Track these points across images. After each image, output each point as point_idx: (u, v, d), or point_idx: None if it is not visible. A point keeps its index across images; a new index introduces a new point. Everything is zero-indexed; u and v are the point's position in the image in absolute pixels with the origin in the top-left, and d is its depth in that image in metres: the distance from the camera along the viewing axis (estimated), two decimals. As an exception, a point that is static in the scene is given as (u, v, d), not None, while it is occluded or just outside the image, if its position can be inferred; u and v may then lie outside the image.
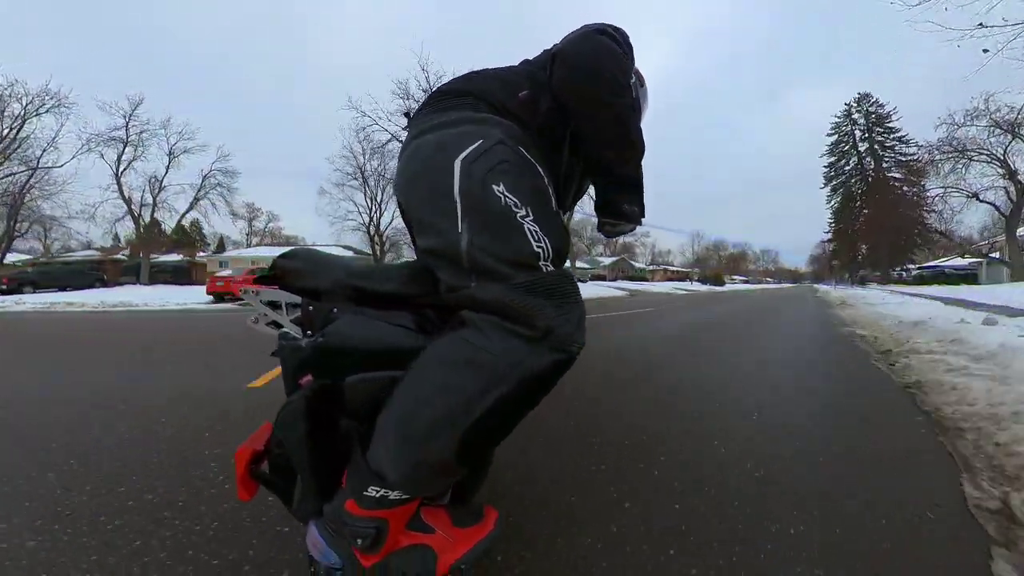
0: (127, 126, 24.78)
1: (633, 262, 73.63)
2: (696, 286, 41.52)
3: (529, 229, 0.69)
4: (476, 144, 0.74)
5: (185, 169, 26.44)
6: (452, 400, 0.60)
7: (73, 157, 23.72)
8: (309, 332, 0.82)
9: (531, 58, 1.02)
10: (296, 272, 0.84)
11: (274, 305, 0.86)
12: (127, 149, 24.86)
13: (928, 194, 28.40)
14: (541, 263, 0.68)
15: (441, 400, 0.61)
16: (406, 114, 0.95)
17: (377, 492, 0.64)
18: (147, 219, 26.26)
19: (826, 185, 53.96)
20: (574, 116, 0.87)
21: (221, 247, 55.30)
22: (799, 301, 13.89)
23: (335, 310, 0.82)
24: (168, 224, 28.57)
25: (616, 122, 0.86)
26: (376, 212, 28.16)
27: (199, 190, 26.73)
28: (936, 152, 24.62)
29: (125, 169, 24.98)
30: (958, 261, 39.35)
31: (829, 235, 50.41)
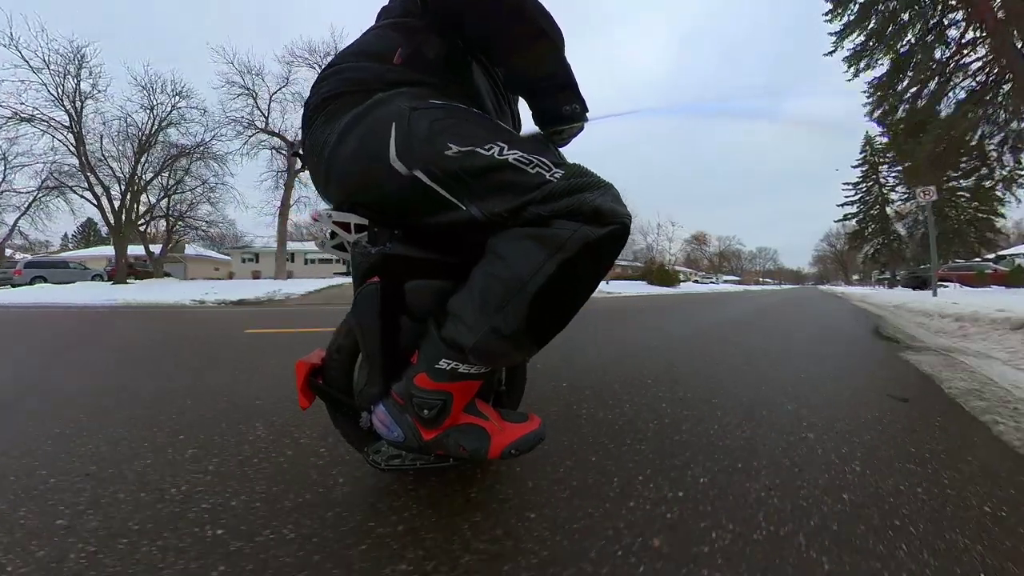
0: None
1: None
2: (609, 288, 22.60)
3: (516, 160, 0.68)
4: (393, 131, 0.71)
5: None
6: (522, 269, 0.65)
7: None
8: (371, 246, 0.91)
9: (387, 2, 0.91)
10: None
11: (344, 227, 0.96)
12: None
13: None
14: (549, 176, 0.68)
15: (512, 271, 0.66)
16: (295, 153, 0.93)
17: (448, 364, 0.71)
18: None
19: (832, 17, 14.34)
20: (466, 30, 0.78)
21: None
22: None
23: (397, 231, 0.91)
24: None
25: (512, 16, 0.75)
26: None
27: (37, 191, 24.28)
28: None
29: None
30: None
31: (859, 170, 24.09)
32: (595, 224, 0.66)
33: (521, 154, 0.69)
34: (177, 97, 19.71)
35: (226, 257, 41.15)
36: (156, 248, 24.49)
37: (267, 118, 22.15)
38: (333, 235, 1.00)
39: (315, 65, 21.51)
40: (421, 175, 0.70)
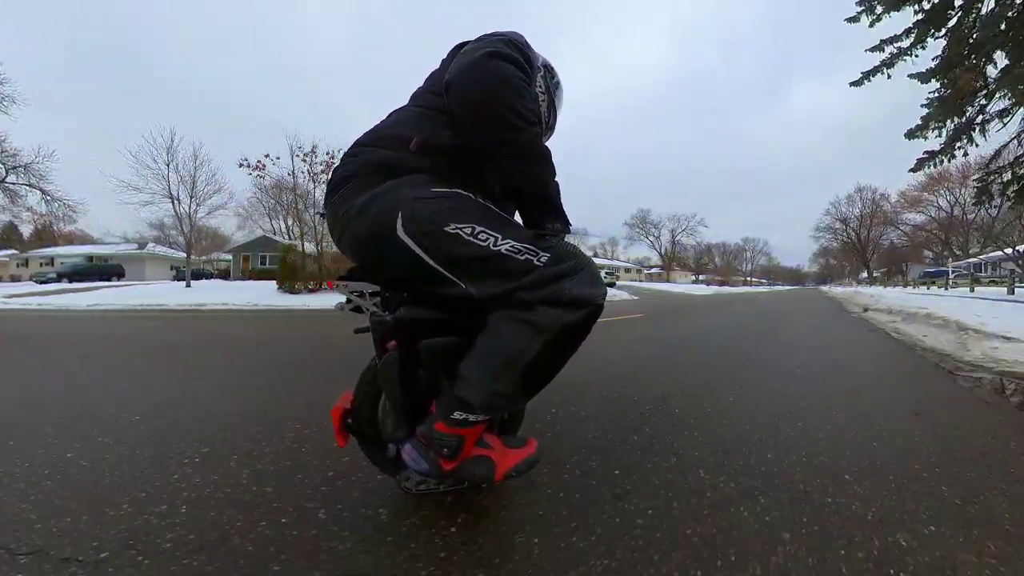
0: None
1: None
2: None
3: (508, 250, 0.81)
4: (399, 218, 0.84)
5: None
6: (514, 347, 0.83)
7: None
8: (387, 312, 1.09)
9: (426, 81, 1.02)
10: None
11: (359, 293, 1.13)
12: None
13: None
14: (536, 263, 0.82)
15: (507, 347, 0.83)
16: (320, 213, 1.11)
17: (461, 416, 0.89)
18: None
19: None
20: (477, 147, 0.90)
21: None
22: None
23: (405, 295, 1.09)
24: None
25: (517, 155, 0.86)
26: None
27: None
28: None
29: None
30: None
31: None
32: (572, 309, 0.81)
33: (513, 243, 0.83)
34: None
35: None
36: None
37: None
38: (349, 300, 1.18)
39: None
40: (425, 256, 0.85)
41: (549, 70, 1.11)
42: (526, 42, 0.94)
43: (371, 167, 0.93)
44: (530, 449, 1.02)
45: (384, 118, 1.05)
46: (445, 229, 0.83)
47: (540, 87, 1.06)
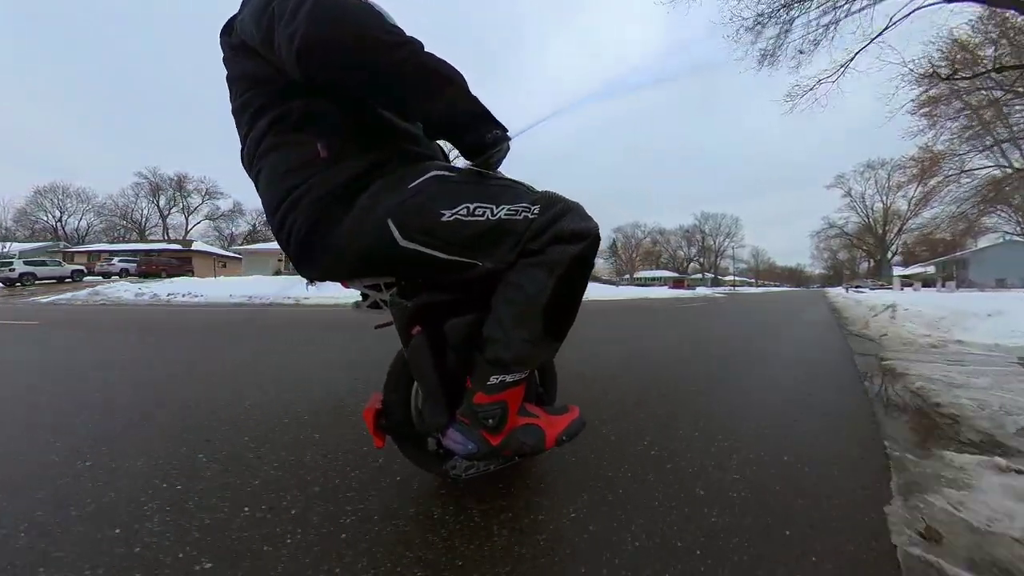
0: None
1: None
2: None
3: (506, 214, 0.83)
4: (392, 227, 0.83)
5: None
6: (531, 290, 0.83)
7: None
8: (405, 300, 1.06)
9: (239, 85, 0.91)
10: None
11: (375, 287, 1.10)
12: None
13: None
14: (531, 215, 0.84)
15: (524, 294, 0.83)
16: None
17: (498, 379, 0.87)
18: None
19: None
20: (378, 98, 0.83)
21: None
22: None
23: (421, 281, 1.06)
24: None
25: (417, 71, 0.78)
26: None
27: None
28: None
29: None
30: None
31: None
32: (576, 242, 0.84)
33: (508, 208, 0.84)
34: None
35: None
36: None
37: None
38: (365, 296, 1.15)
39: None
40: (437, 253, 0.84)
41: None
42: None
43: (324, 203, 0.85)
44: (574, 414, 1.00)
45: (258, 161, 0.92)
46: (443, 220, 0.83)
47: None
